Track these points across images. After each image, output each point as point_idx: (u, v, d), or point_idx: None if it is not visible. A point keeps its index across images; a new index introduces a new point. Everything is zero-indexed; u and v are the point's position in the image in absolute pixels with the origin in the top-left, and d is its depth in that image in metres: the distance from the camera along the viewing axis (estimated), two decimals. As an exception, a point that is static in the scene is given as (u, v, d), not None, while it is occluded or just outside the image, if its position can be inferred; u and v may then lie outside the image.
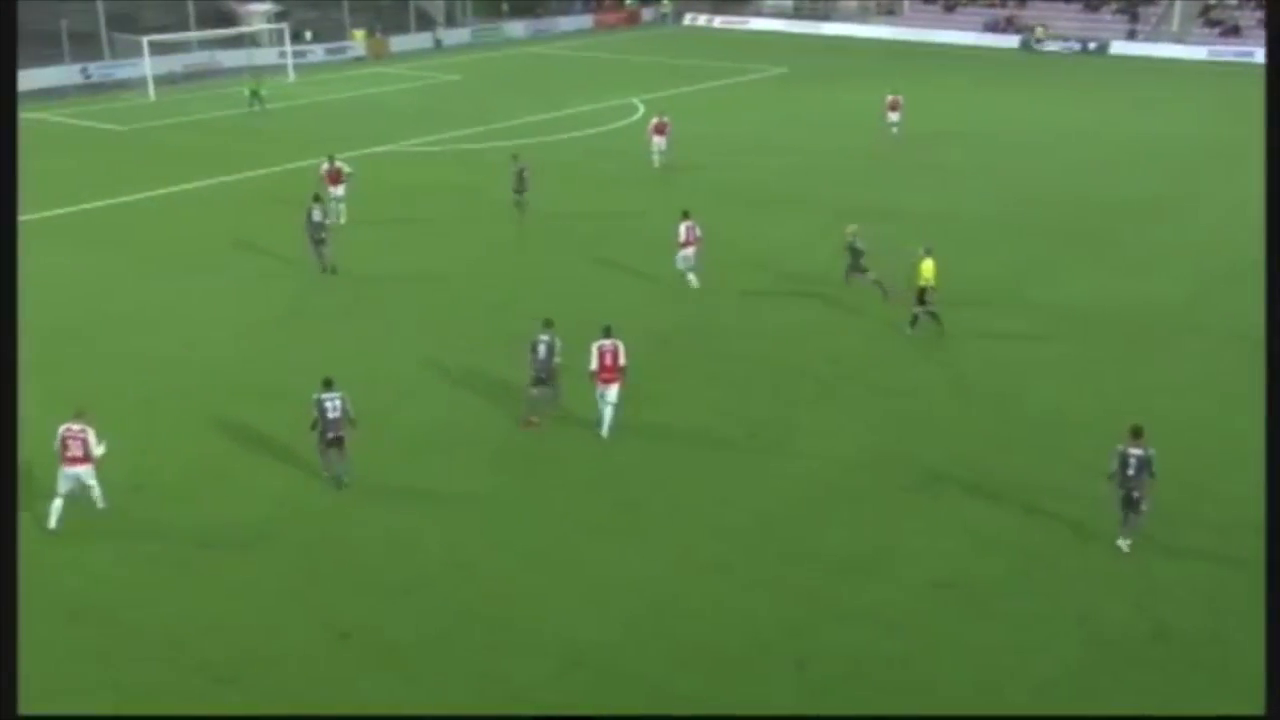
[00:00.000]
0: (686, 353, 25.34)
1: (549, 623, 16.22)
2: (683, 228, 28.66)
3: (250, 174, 41.85)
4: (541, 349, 21.45)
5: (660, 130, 42.66)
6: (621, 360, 21.16)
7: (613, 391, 21.25)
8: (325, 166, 35.09)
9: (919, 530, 18.60)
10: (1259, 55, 66.55)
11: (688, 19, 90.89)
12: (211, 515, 18.95)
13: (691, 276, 28.91)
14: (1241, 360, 24.18)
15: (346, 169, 34.92)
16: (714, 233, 33.16)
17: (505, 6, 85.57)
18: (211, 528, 18.55)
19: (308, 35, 67.71)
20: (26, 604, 16.23)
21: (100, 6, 64.69)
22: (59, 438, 17.94)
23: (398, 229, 34.65)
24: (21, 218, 32.88)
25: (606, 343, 21.18)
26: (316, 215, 30.83)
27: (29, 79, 59.46)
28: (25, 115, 52.95)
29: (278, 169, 42.12)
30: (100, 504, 18.35)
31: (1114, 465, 17.40)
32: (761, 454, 21.13)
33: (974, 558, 17.80)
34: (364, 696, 14.75)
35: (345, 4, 75.75)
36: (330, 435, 19.40)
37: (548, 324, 21.73)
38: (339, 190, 34.71)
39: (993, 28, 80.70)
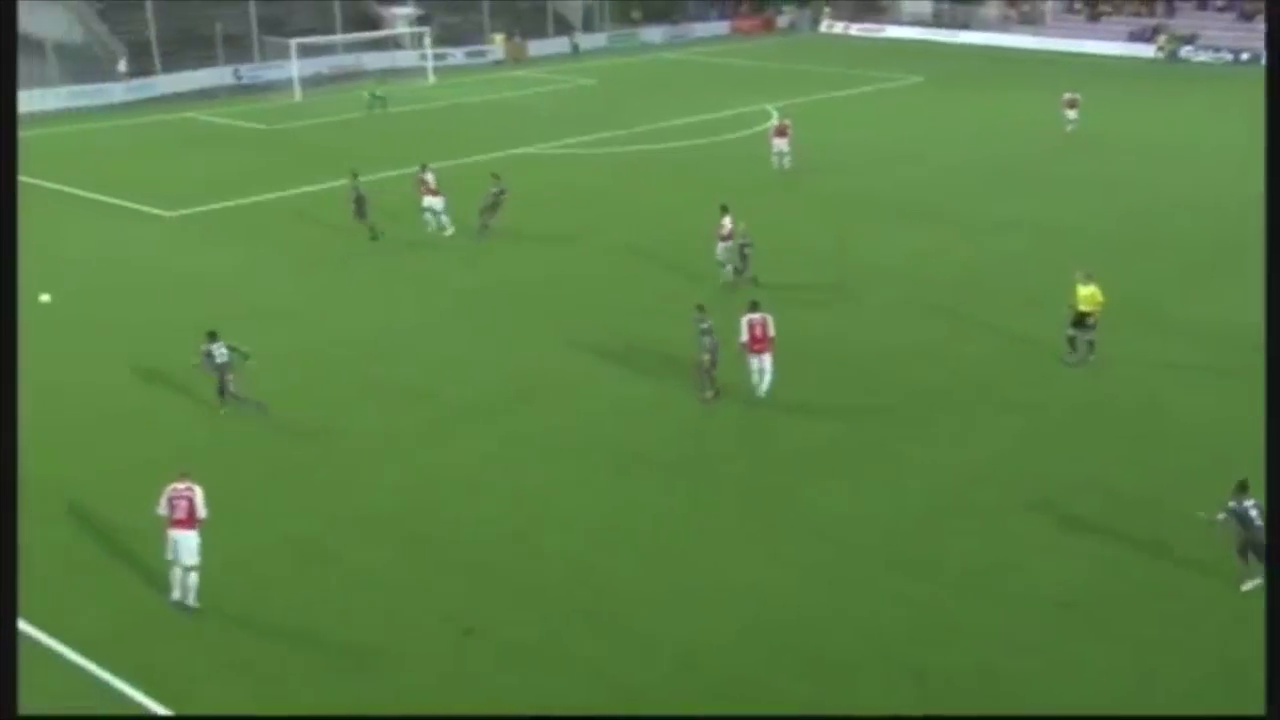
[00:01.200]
0: (812, 362, 25.28)
1: (665, 625, 16.39)
2: (725, 221, 29.62)
3: (385, 174, 42.92)
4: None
5: (782, 133, 42.61)
6: (771, 331, 22.61)
7: (765, 360, 22.74)
8: (421, 175, 35.19)
9: (1043, 548, 18.31)
10: None
11: (824, 25, 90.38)
12: (339, 506, 19.57)
13: (728, 269, 29.60)
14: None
15: (432, 181, 34.71)
16: (841, 242, 33.08)
17: (635, 14, 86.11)
18: (339, 518, 19.16)
19: (425, 41, 68.76)
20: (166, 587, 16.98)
21: (252, 10, 66.94)
22: (164, 498, 16.34)
23: (529, 232, 35.11)
24: (169, 213, 34.37)
25: (755, 316, 22.75)
26: (362, 191, 33.94)
27: (186, 80, 61.93)
28: (181, 115, 55.33)
29: (411, 170, 43.15)
30: (191, 599, 16.41)
31: (1235, 524, 16.96)
32: (886, 465, 21.01)
33: (1099, 579, 17.48)
34: (486, 694, 15.07)
35: (485, 8, 77.08)
36: (226, 379, 22.37)
37: (701, 309, 23.05)
38: (437, 202, 34.49)
39: (1139, 37, 78.62)
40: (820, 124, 49.81)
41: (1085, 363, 24.98)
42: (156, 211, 37.37)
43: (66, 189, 40.55)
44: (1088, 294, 24.65)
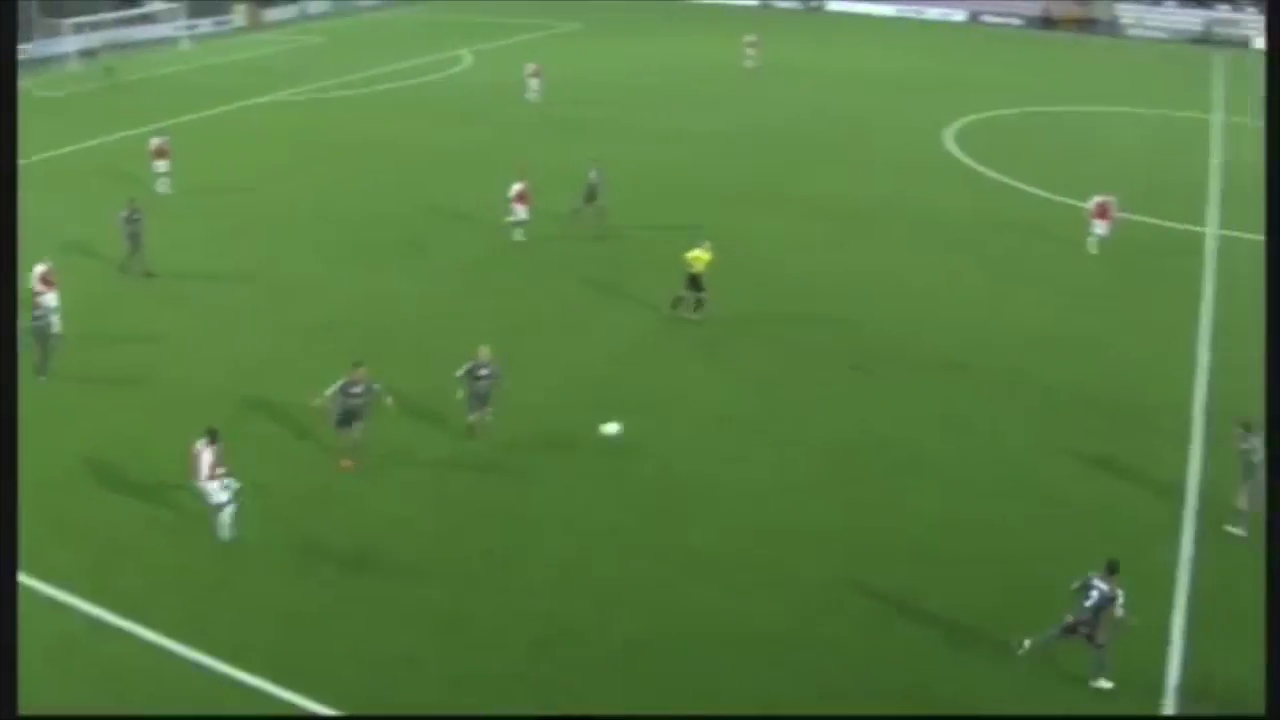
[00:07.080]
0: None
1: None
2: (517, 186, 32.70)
3: (147, 128, 46.74)
4: None
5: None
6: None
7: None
8: (156, 141, 36.32)
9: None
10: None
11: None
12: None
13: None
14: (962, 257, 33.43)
15: (159, 144, 36.46)
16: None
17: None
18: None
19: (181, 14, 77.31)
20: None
21: (25, -7, 72.70)
22: None
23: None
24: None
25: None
26: (127, 213, 29.93)
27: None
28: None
29: (168, 122, 49.17)
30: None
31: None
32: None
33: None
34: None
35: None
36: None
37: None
38: (162, 165, 36.04)
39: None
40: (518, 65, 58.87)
41: (701, 316, 27.48)
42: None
43: None
44: (693, 257, 26.82)
